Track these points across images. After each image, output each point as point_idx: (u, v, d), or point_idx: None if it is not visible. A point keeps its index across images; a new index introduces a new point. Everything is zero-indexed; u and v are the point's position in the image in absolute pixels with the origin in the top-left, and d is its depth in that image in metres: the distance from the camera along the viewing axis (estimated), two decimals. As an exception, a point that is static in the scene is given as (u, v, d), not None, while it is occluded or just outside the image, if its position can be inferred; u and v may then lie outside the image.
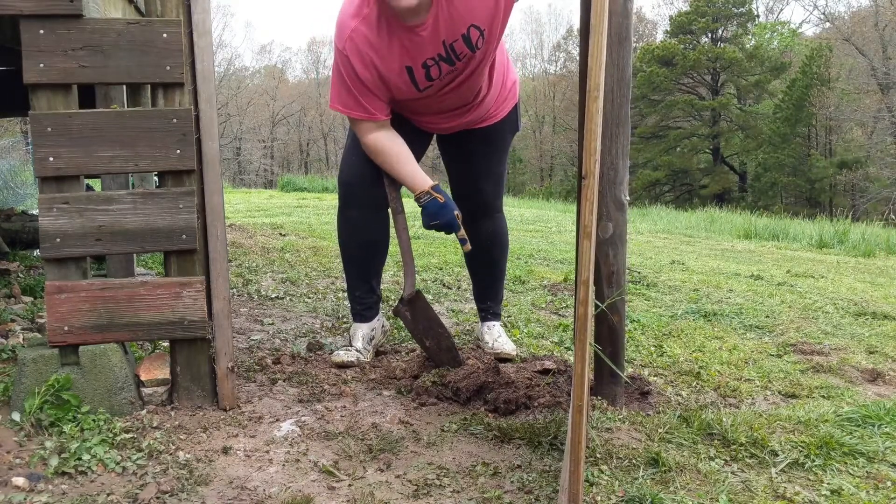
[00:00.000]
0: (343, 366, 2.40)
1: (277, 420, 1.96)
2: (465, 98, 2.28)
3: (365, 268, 2.53)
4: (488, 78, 2.28)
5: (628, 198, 2.03)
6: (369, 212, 2.42)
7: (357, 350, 2.47)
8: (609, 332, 2.06)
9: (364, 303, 2.56)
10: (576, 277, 1.84)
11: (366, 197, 2.39)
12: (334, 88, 2.19)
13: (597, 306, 2.01)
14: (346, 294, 3.58)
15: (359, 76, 2.10)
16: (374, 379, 2.31)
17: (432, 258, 4.91)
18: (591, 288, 1.57)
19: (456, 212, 2.21)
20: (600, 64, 1.36)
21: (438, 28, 2.04)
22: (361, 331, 2.55)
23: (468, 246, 2.25)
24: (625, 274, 2.07)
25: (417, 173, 2.24)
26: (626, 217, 2.04)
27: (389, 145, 2.23)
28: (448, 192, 2.36)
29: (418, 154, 2.49)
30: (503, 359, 2.48)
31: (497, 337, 2.62)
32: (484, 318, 2.73)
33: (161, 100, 1.92)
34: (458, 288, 3.93)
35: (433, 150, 2.63)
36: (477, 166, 2.49)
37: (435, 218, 2.21)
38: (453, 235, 2.30)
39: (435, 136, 2.55)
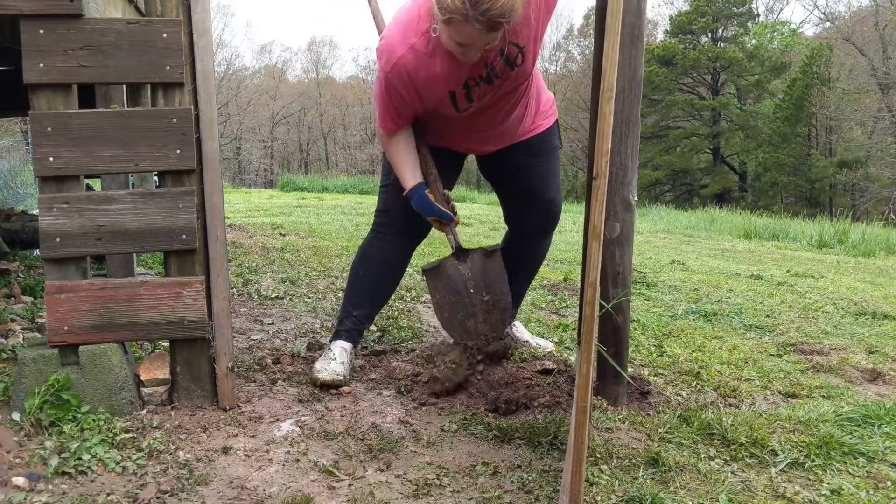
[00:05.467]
0: (328, 385, 2.21)
1: (277, 420, 1.96)
2: (497, 118, 2.28)
3: (375, 291, 2.49)
4: (523, 96, 2.28)
5: (636, 198, 2.03)
6: (404, 240, 2.44)
7: (342, 364, 2.31)
8: (613, 333, 2.06)
9: (361, 325, 2.46)
10: (582, 278, 1.84)
11: (405, 225, 2.41)
12: (383, 112, 2.21)
13: (602, 306, 2.01)
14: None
15: (402, 97, 2.14)
16: (374, 379, 2.31)
17: (432, 258, 4.90)
18: (598, 290, 1.57)
19: (432, 211, 2.26)
20: (614, 64, 1.34)
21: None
22: (347, 352, 2.39)
23: (457, 218, 2.33)
24: (630, 274, 2.07)
25: (407, 173, 2.29)
26: (633, 217, 2.03)
27: (404, 146, 2.28)
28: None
29: (453, 177, 2.50)
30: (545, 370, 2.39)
31: (530, 336, 2.74)
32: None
33: (161, 100, 1.92)
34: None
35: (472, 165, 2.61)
36: (530, 179, 2.48)
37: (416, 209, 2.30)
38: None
39: (478, 166, 2.58)
